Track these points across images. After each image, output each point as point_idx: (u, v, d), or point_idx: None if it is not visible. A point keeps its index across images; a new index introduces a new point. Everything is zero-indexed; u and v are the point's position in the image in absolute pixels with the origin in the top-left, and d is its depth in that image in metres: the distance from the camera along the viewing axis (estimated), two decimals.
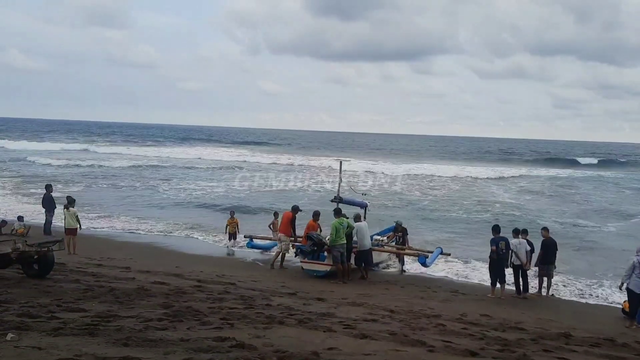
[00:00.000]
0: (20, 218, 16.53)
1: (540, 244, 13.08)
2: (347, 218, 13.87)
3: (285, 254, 14.81)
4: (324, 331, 7.80)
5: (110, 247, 16.12)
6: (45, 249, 10.05)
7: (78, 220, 15.29)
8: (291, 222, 14.84)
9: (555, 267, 13.08)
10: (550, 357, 7.33)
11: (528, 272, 12.85)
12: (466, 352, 7.14)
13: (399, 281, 14.28)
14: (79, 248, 14.92)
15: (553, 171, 54.49)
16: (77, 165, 45.80)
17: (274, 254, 15.30)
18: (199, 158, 60.20)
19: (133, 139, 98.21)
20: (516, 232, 12.90)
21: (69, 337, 6.51)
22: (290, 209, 15.23)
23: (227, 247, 17.29)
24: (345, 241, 13.44)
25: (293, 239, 15.04)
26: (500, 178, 44.59)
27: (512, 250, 12.46)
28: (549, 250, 12.88)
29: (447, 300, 11.98)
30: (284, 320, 8.30)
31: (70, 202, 15.41)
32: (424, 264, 14.17)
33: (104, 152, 62.77)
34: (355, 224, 13.84)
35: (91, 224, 19.74)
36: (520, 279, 12.70)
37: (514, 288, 12.92)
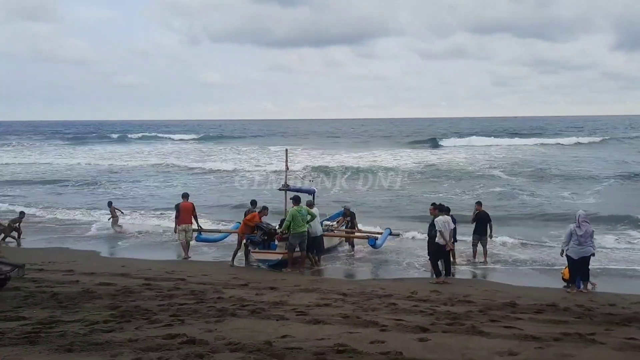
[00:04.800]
0: None
1: (473, 215, 14.11)
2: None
3: (189, 243, 14.87)
4: (277, 320, 7.79)
5: (51, 252, 15.44)
6: (2, 276, 9.54)
7: None
8: (192, 212, 14.83)
9: (490, 237, 13.96)
10: (497, 326, 7.58)
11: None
12: (417, 329, 7.30)
13: (350, 264, 14.42)
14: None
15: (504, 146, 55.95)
16: None
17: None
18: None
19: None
20: (439, 209, 12.35)
21: (7, 348, 6.23)
22: (185, 199, 15.01)
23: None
24: (305, 229, 13.31)
25: (198, 228, 15.12)
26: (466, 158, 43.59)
27: (438, 230, 11.84)
28: (481, 222, 13.83)
29: (398, 279, 12.18)
30: (236, 312, 8.22)
31: None
32: (374, 246, 14.33)
33: None
34: None
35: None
36: (443, 261, 11.99)
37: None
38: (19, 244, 16.80)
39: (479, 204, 14.33)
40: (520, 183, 28.78)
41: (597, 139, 62.03)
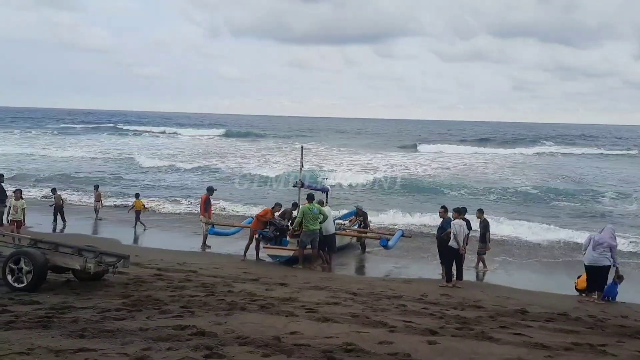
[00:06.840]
0: None
1: (479, 225, 13.62)
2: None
3: (206, 235, 15.31)
4: (286, 316, 7.82)
5: (70, 239, 15.60)
6: (113, 267, 9.51)
7: (24, 213, 14.87)
8: (206, 203, 15.48)
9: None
10: (507, 333, 7.53)
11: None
12: (426, 332, 7.28)
13: (361, 264, 14.42)
14: None
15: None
16: None
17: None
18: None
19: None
20: (458, 212, 12.17)
21: (21, 331, 6.34)
22: (207, 192, 15.78)
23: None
24: (317, 227, 13.34)
25: (210, 220, 15.59)
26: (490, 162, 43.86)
27: (453, 234, 11.65)
28: (487, 230, 13.59)
29: (408, 281, 12.14)
30: (246, 306, 8.26)
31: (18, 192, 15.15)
32: (385, 247, 14.30)
33: None
34: None
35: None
36: (455, 264, 11.95)
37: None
38: None
39: (480, 211, 13.90)
40: (540, 190, 28.25)
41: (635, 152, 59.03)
